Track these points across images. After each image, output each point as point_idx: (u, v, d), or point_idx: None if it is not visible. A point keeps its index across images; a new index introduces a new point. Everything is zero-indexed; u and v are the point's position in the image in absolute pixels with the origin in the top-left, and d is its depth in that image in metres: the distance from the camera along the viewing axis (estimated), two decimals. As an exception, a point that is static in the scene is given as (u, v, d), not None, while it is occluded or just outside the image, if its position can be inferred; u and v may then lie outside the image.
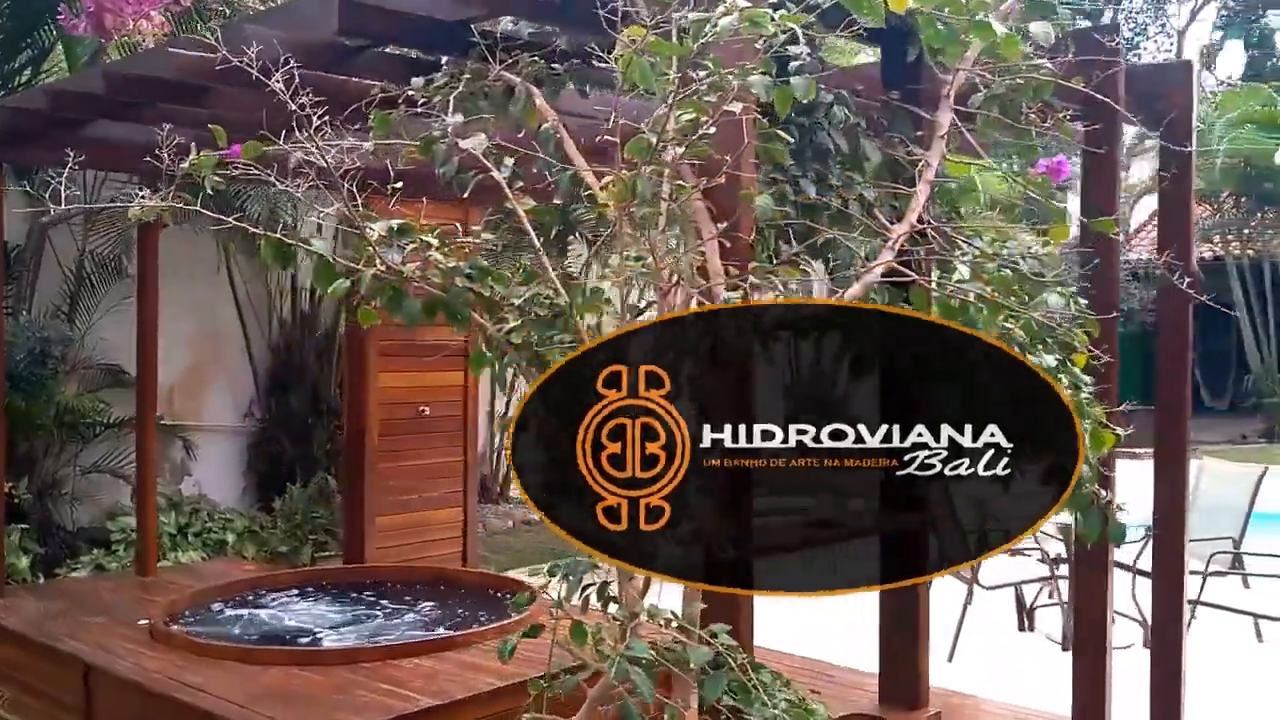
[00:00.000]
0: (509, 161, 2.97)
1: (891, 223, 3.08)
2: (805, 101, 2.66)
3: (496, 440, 11.31)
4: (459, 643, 5.06)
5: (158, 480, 8.72)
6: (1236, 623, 7.15)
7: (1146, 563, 6.84)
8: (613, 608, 2.77)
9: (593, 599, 2.71)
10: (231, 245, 9.05)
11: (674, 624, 2.71)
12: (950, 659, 6.49)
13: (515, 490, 11.35)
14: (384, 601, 6.00)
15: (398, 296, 2.78)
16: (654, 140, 2.42)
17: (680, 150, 2.49)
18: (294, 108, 2.72)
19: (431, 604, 5.99)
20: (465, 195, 3.09)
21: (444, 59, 3.87)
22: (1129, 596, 6.95)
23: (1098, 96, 3.23)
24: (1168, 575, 4.40)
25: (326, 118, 2.76)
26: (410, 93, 3.57)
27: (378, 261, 2.74)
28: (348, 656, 4.87)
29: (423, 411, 7.82)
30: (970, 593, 6.74)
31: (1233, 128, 16.62)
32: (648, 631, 2.69)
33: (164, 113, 5.27)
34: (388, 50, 4.38)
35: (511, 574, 8.86)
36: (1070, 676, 4.23)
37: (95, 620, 5.59)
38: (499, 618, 5.63)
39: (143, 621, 5.46)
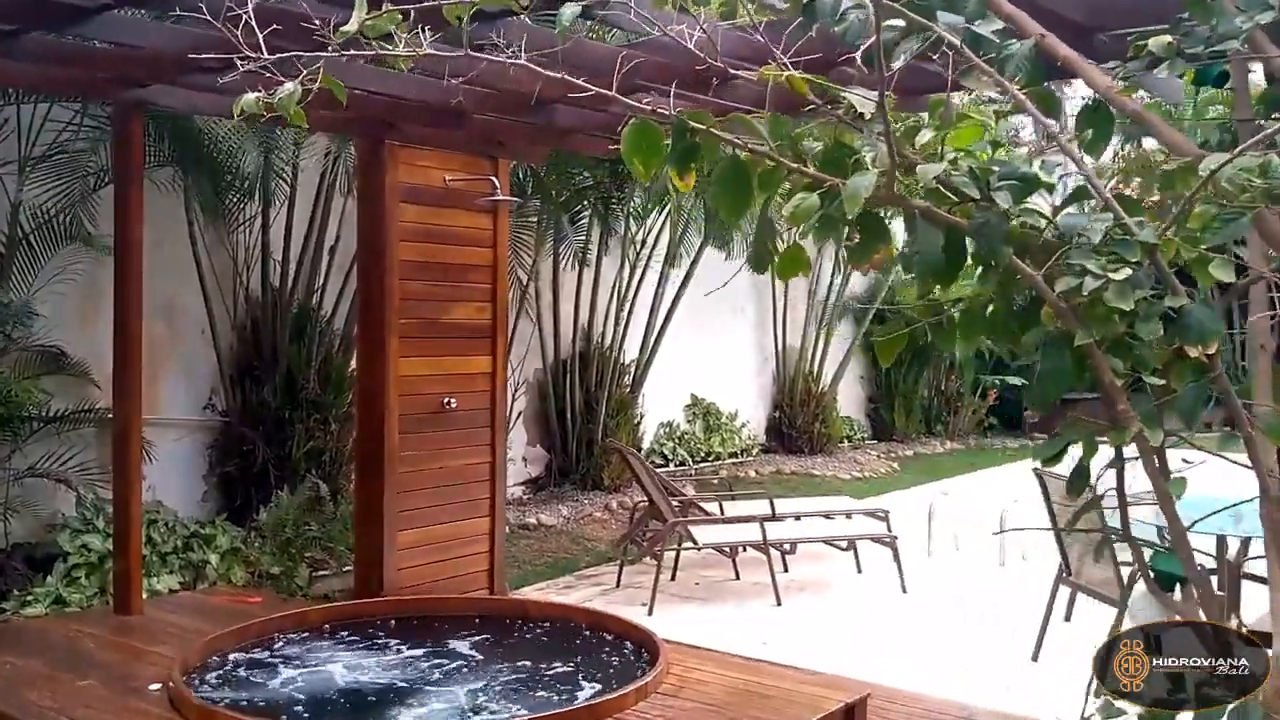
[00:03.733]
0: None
1: None
2: None
3: (481, 435, 10.01)
4: (601, 711, 3.87)
5: (102, 486, 7.29)
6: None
7: None
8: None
9: None
10: (197, 203, 7.61)
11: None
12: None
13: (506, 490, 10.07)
14: (454, 646, 4.75)
15: (912, 223, 1.58)
16: None
17: None
18: None
19: (511, 646, 4.78)
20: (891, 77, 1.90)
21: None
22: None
23: None
24: None
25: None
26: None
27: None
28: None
29: (448, 404, 6.51)
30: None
31: None
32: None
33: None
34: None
35: (531, 592, 7.67)
36: None
37: (86, 685, 4.22)
38: (615, 669, 4.47)
39: (155, 686, 4.11)
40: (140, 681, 4.19)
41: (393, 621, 5.07)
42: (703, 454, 12.16)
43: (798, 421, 13.36)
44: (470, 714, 3.97)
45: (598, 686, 4.22)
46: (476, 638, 4.87)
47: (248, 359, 8.12)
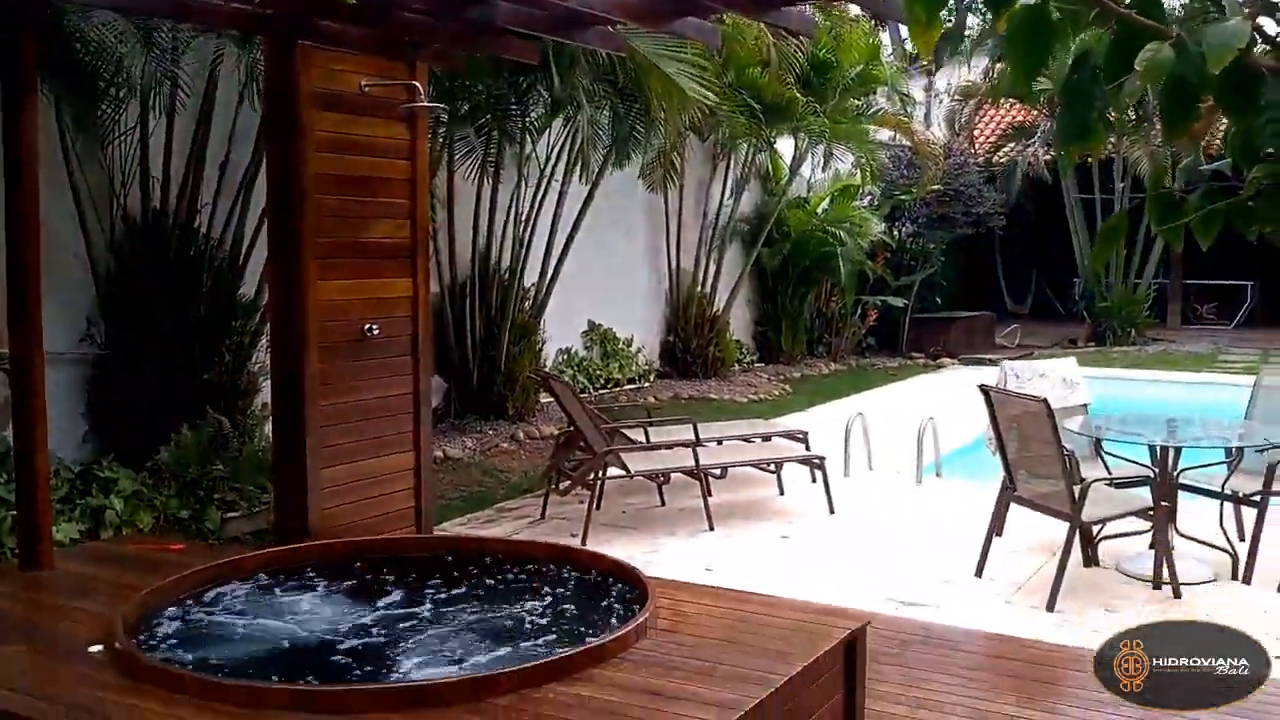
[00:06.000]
0: None
1: None
2: None
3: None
4: (604, 652, 3.60)
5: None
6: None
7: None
8: None
9: None
10: (68, 114, 6.83)
11: None
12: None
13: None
14: (422, 591, 4.38)
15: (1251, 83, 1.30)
16: None
17: None
18: None
19: (483, 587, 4.45)
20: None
21: None
22: (1215, 525, 6.27)
23: None
24: None
25: None
26: None
27: None
28: (473, 690, 3.31)
29: (369, 332, 6.04)
30: (1073, 530, 5.79)
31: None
32: None
33: None
34: None
35: (452, 527, 7.32)
36: None
37: (13, 651, 3.72)
38: (592, 609, 4.20)
39: (95, 648, 3.65)
40: (74, 643, 3.71)
41: (358, 564, 4.65)
42: (601, 380, 11.89)
43: (692, 346, 13.21)
44: (465, 660, 3.64)
45: (591, 626, 3.95)
46: (440, 580, 4.50)
47: (128, 285, 7.41)
